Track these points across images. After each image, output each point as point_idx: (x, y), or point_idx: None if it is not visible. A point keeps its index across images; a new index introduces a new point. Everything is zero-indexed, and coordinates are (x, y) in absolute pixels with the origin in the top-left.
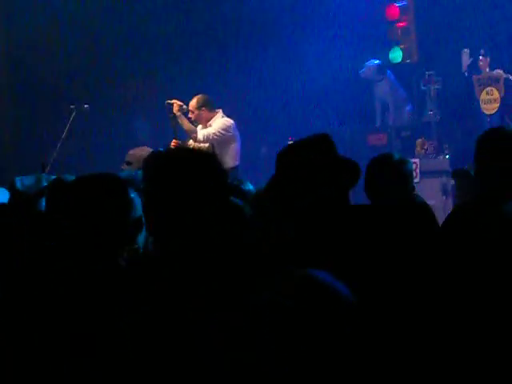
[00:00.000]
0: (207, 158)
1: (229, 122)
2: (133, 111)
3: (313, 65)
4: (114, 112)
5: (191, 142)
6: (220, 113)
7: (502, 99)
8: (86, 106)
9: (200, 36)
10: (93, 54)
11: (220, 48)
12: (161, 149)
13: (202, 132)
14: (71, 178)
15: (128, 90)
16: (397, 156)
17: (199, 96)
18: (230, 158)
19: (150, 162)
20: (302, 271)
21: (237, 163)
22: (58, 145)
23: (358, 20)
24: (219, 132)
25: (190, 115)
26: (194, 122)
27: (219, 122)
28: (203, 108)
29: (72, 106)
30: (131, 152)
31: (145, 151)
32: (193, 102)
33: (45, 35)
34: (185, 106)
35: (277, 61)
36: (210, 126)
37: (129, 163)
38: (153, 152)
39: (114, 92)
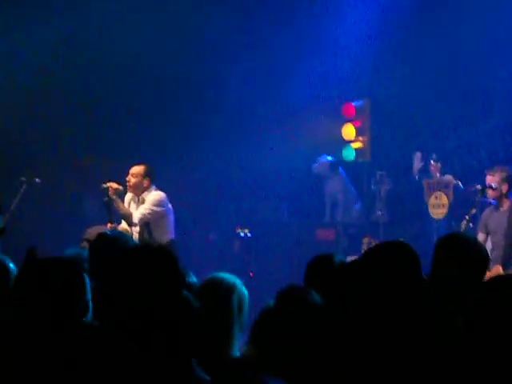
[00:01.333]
0: (166, 255)
1: (161, 196)
2: (83, 189)
3: (266, 156)
4: (65, 188)
5: (123, 225)
6: (153, 187)
7: (451, 205)
8: (37, 180)
9: (155, 112)
10: (47, 130)
11: (175, 127)
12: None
13: (136, 216)
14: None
15: (80, 168)
16: (337, 257)
17: (147, 165)
18: (164, 233)
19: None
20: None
21: (171, 237)
22: (7, 215)
23: (313, 116)
24: (152, 209)
25: (129, 180)
26: (116, 192)
27: (152, 196)
28: (147, 178)
29: (22, 179)
30: (90, 230)
31: (103, 230)
32: (139, 169)
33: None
34: (121, 188)
35: (231, 148)
36: (143, 199)
37: (88, 241)
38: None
39: (67, 168)
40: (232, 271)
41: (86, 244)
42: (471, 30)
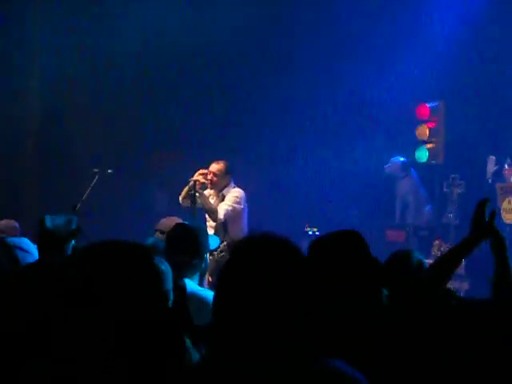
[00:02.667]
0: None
1: (241, 193)
2: (154, 182)
3: (340, 156)
4: (136, 180)
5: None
6: (232, 183)
7: None
8: (109, 171)
9: (222, 114)
10: (120, 123)
11: (252, 126)
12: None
13: (221, 212)
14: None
15: (151, 160)
16: (416, 256)
17: (225, 162)
18: (240, 231)
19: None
20: (322, 362)
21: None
22: (79, 205)
23: (387, 116)
24: (234, 206)
25: (209, 177)
26: (202, 186)
27: (233, 193)
28: (228, 175)
29: (95, 170)
30: (164, 221)
31: (176, 221)
32: (221, 166)
33: (73, 101)
34: (207, 182)
35: (304, 148)
36: (223, 195)
37: (162, 232)
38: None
39: (138, 161)
40: None
41: (159, 235)
42: None
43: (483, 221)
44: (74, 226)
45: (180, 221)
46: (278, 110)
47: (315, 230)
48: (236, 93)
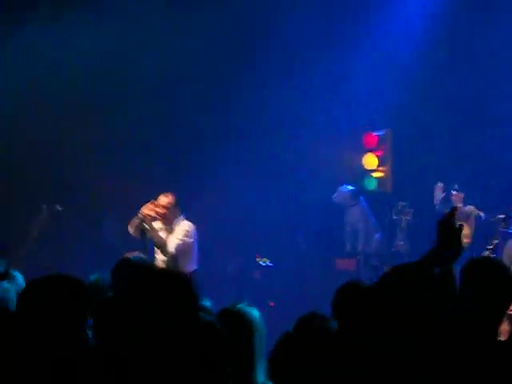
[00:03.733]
0: (182, 280)
1: (190, 226)
2: (104, 212)
3: (287, 186)
4: (86, 213)
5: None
6: (183, 215)
7: (473, 235)
8: (58, 206)
9: (176, 138)
10: (66, 154)
11: (195, 152)
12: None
13: (171, 246)
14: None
15: (100, 190)
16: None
17: (173, 194)
18: (192, 263)
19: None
20: None
21: (195, 267)
22: (28, 242)
23: (334, 145)
24: (184, 240)
25: (160, 211)
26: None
27: (183, 226)
28: (176, 208)
29: (43, 206)
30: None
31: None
32: (169, 200)
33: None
34: (157, 217)
35: (249, 177)
36: (172, 228)
37: None
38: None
39: (88, 193)
40: (252, 300)
41: None
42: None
43: (448, 234)
44: (1, 269)
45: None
46: (220, 135)
47: (267, 260)
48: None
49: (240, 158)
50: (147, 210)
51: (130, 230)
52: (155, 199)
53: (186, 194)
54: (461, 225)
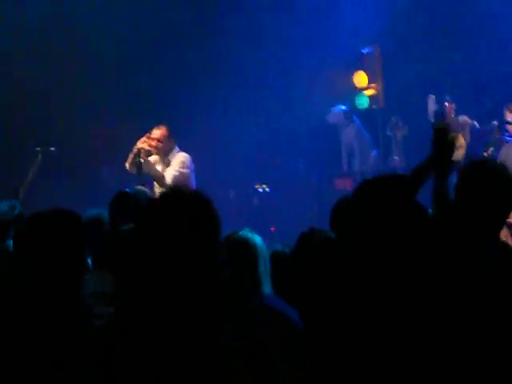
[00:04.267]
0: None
1: (186, 157)
2: (101, 157)
3: (280, 110)
4: (82, 157)
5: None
6: (177, 147)
7: (468, 145)
8: (51, 149)
9: (170, 77)
10: (63, 99)
11: (190, 91)
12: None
13: (168, 177)
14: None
15: (97, 137)
16: None
17: (166, 126)
18: None
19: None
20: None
21: None
22: (24, 186)
23: (325, 65)
24: (181, 171)
25: (154, 144)
26: (147, 152)
27: (179, 158)
28: (171, 139)
29: (38, 149)
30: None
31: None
32: (163, 131)
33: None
34: (152, 150)
35: (245, 105)
36: (169, 160)
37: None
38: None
39: (83, 138)
40: (252, 226)
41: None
42: None
43: (443, 140)
44: (16, 212)
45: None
46: (214, 67)
47: (265, 186)
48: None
49: (234, 86)
50: (140, 143)
51: (127, 166)
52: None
53: (181, 127)
54: (453, 136)
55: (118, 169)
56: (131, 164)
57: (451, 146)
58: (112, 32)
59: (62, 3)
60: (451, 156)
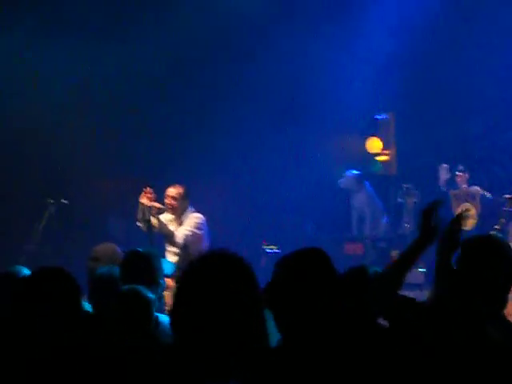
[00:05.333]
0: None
1: (201, 218)
2: (109, 209)
3: (293, 171)
4: (91, 210)
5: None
6: (191, 207)
7: (479, 216)
8: (64, 201)
9: (176, 131)
10: (73, 152)
11: (200, 149)
12: (139, 249)
13: (179, 236)
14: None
15: (106, 188)
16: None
17: (183, 186)
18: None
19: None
20: None
21: None
22: (35, 236)
23: (339, 129)
24: (193, 231)
25: (169, 202)
26: (158, 211)
27: (192, 218)
28: (185, 200)
29: (50, 200)
30: (98, 248)
31: (111, 247)
32: (179, 190)
33: (29, 131)
34: (163, 207)
35: (258, 165)
36: (182, 220)
37: (96, 259)
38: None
39: (92, 190)
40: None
41: (92, 263)
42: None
43: (429, 225)
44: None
45: (115, 246)
46: (228, 125)
47: (275, 247)
48: (179, 115)
49: (248, 149)
50: (145, 199)
51: (139, 223)
52: (147, 189)
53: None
54: (461, 212)
55: (125, 221)
56: (140, 220)
57: (435, 230)
58: (116, 85)
59: None
60: (433, 240)
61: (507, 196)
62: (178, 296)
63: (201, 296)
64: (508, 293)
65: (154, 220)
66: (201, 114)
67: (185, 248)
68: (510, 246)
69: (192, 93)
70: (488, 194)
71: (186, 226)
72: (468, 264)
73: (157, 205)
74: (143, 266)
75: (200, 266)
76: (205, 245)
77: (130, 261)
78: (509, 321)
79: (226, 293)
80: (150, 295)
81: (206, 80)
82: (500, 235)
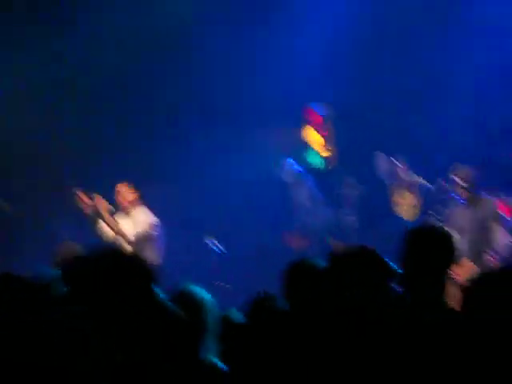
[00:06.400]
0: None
1: (155, 220)
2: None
3: (234, 164)
4: (38, 211)
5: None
6: (143, 206)
7: (419, 204)
8: (5, 204)
9: (126, 128)
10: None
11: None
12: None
13: (131, 234)
14: None
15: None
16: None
17: (132, 184)
18: (156, 255)
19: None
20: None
21: (159, 262)
22: None
23: (279, 121)
24: (147, 231)
25: (120, 200)
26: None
27: (145, 216)
28: (137, 198)
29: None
30: (61, 249)
31: (72, 248)
32: (128, 189)
33: None
34: (112, 208)
35: (200, 160)
36: (133, 216)
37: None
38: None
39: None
40: (204, 284)
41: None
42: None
43: None
44: None
45: (74, 247)
46: (162, 127)
47: (215, 241)
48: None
49: (189, 150)
50: (99, 203)
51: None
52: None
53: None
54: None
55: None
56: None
57: None
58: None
59: None
60: None
61: (445, 184)
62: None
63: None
64: (446, 276)
65: (105, 220)
66: (131, 116)
67: (138, 247)
68: (449, 235)
69: (122, 95)
70: (427, 184)
71: (139, 226)
72: (410, 252)
73: (105, 204)
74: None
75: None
76: (158, 245)
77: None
78: (448, 305)
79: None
80: None
81: (134, 82)
82: (439, 223)
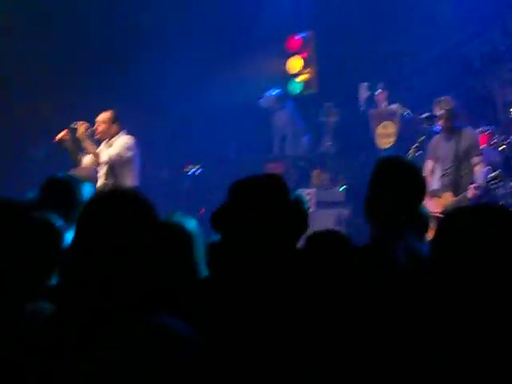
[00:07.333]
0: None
1: (130, 139)
2: (29, 134)
3: (213, 92)
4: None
5: (87, 160)
6: (123, 131)
7: (398, 134)
8: None
9: (96, 54)
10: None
11: (120, 69)
12: (60, 174)
13: (103, 155)
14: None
15: (27, 111)
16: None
17: (112, 111)
18: (129, 178)
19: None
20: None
21: (136, 182)
22: None
23: (259, 50)
24: (119, 153)
25: (98, 128)
26: (92, 137)
27: (121, 140)
28: (115, 123)
29: None
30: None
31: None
32: (106, 115)
33: None
34: (90, 129)
35: (177, 86)
36: (112, 143)
37: None
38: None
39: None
40: (183, 209)
41: None
42: None
43: None
44: None
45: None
46: (154, 51)
47: (197, 167)
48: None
49: (167, 69)
50: (80, 125)
51: (57, 138)
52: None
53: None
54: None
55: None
56: (63, 138)
57: None
58: None
59: None
60: None
61: (425, 114)
62: (76, 232)
63: (98, 231)
64: (411, 208)
65: (81, 139)
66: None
67: (112, 169)
68: (417, 168)
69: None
70: (407, 112)
71: (112, 148)
72: (375, 180)
73: (85, 124)
74: (62, 192)
75: (95, 203)
76: (135, 167)
77: (49, 187)
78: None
79: (121, 227)
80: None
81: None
82: (419, 152)
